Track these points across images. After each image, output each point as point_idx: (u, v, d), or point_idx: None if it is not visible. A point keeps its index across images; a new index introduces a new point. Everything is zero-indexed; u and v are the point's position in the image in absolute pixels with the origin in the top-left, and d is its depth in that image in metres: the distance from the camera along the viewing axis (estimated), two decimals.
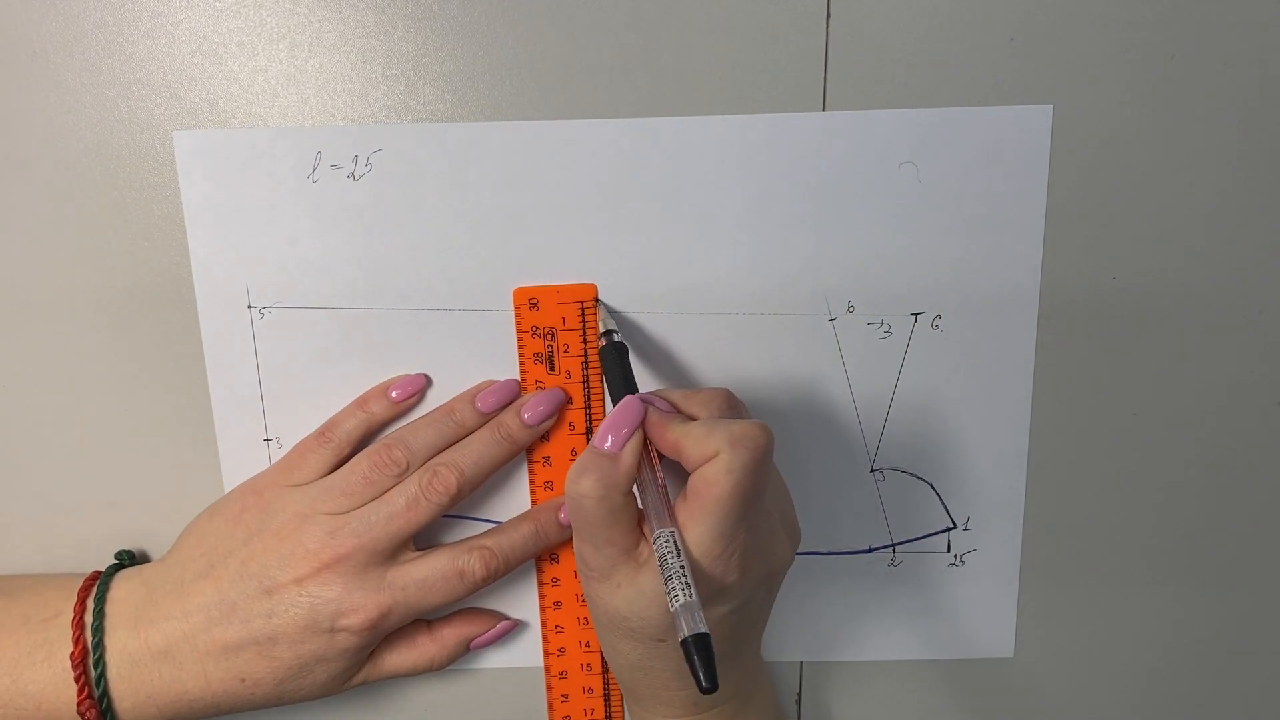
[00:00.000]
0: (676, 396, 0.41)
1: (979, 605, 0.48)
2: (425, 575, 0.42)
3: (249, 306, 0.44)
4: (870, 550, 0.48)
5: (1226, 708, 0.50)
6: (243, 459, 0.46)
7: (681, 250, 0.44)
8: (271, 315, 0.44)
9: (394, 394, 0.45)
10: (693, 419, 0.39)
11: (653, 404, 0.40)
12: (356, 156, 0.42)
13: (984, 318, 0.44)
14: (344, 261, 0.44)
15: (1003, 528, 0.47)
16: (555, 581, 0.47)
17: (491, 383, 0.45)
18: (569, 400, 0.45)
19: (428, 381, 0.45)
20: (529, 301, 0.44)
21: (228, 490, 0.46)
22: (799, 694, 0.50)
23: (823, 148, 0.42)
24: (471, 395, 0.44)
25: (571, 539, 0.43)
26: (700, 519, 0.37)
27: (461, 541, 0.44)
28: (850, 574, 0.48)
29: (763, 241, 0.44)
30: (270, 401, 0.45)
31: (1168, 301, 0.45)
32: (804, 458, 0.46)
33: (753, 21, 0.41)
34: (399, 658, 0.45)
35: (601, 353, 0.43)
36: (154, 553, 0.47)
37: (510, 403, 0.45)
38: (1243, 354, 0.45)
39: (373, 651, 0.45)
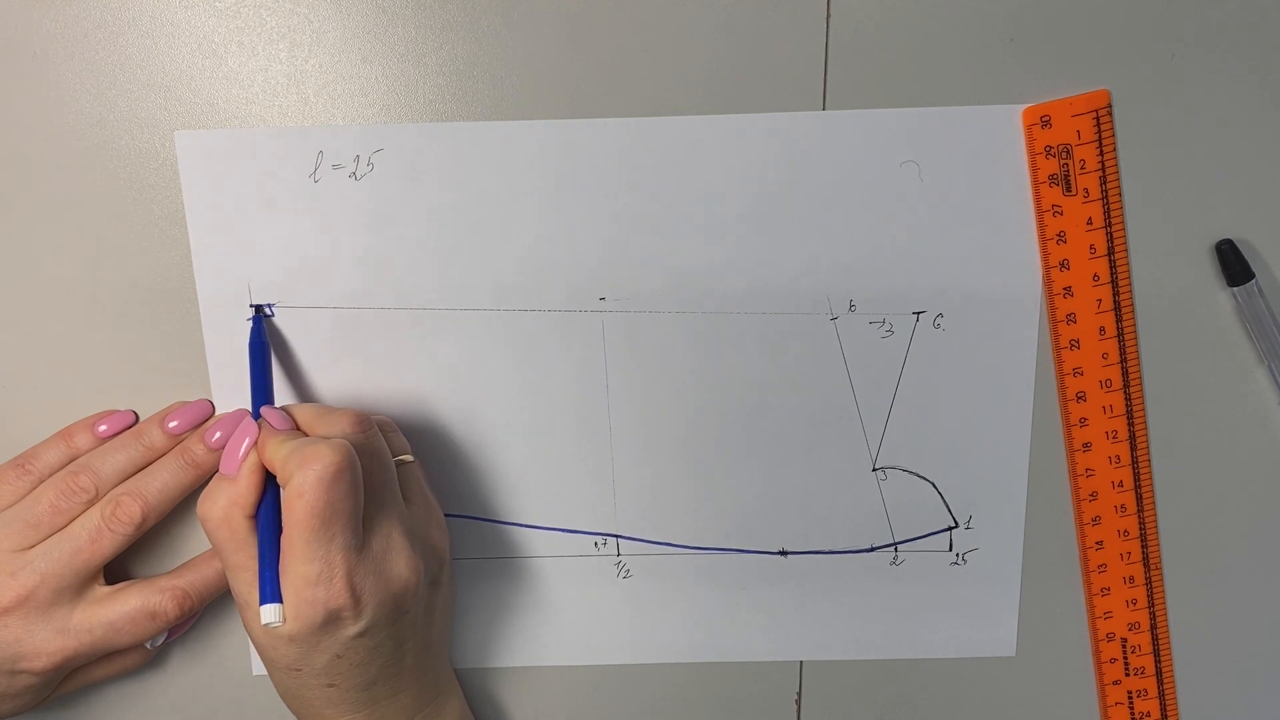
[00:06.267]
0: (307, 414, 0.41)
1: (981, 604, 0.48)
2: (114, 618, 0.42)
3: (251, 306, 0.44)
4: (872, 549, 0.48)
5: (1227, 705, 0.50)
6: None
7: (682, 250, 0.44)
8: (273, 315, 0.44)
9: (101, 428, 0.44)
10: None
11: (268, 422, 0.40)
12: (358, 156, 0.42)
13: (986, 317, 0.44)
14: (346, 261, 0.44)
15: (1005, 526, 0.47)
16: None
17: (184, 404, 0.44)
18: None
19: (135, 417, 0.45)
20: (1040, 120, 0.42)
21: None
22: (799, 694, 0.50)
23: (823, 148, 0.42)
24: (162, 417, 0.44)
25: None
26: (289, 543, 0.37)
27: (152, 580, 0.43)
28: (852, 573, 0.48)
29: (763, 241, 0.44)
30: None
31: (1168, 300, 0.45)
32: (805, 457, 0.46)
33: (753, 21, 0.41)
34: (100, 670, 0.45)
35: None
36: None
37: (200, 424, 0.44)
38: (1242, 356, 0.45)
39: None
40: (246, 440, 0.39)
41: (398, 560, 0.39)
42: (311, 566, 0.37)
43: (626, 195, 0.43)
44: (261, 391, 0.42)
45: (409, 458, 0.43)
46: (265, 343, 0.43)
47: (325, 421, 0.40)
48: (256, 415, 0.41)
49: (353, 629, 0.38)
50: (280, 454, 0.38)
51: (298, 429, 0.40)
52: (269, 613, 0.38)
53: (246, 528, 0.39)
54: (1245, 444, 0.47)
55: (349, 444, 0.38)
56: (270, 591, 0.38)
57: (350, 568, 0.38)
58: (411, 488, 0.42)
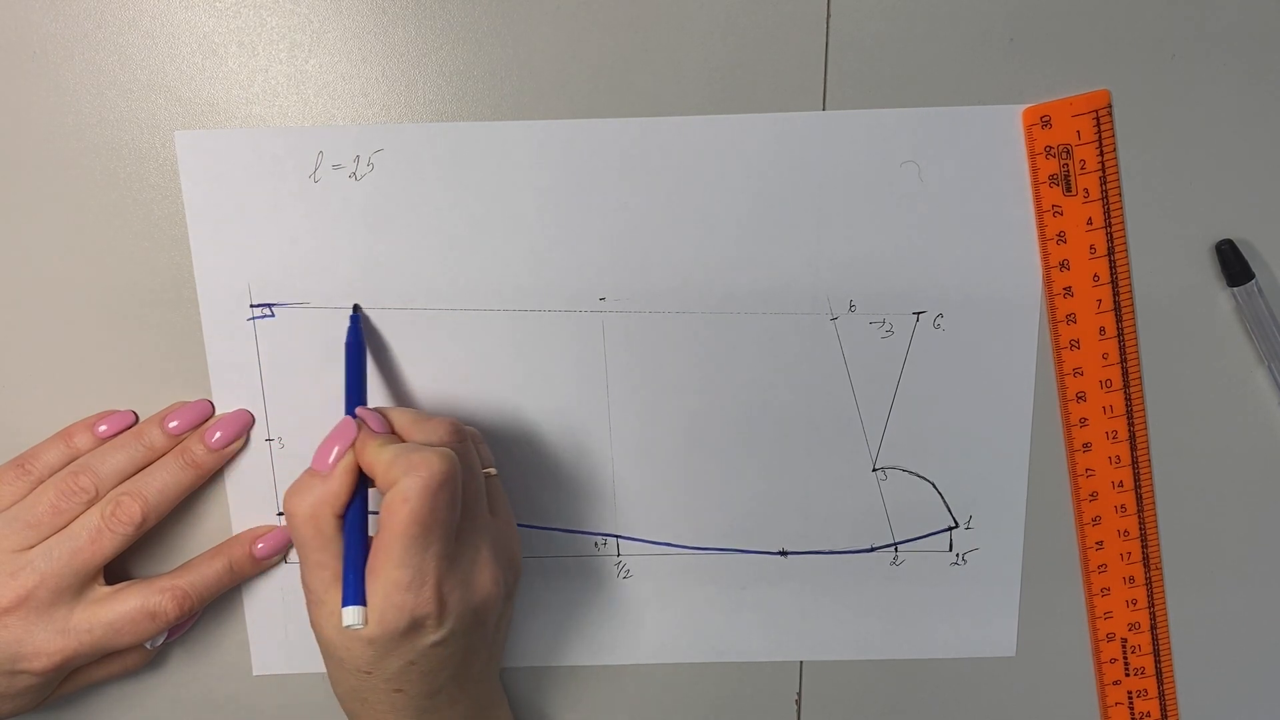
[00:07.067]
0: (404, 419, 0.41)
1: (981, 604, 0.48)
2: (114, 618, 0.42)
3: (251, 306, 0.44)
4: (872, 549, 0.48)
5: (1227, 705, 0.50)
6: (244, 459, 0.46)
7: (682, 250, 0.44)
8: (273, 315, 0.44)
9: (101, 429, 0.44)
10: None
11: (366, 423, 0.40)
12: (358, 156, 0.42)
13: (986, 317, 0.44)
14: (346, 261, 0.44)
15: (1005, 527, 0.47)
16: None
17: (184, 404, 0.45)
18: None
19: (135, 418, 0.45)
20: (1041, 120, 0.42)
21: (229, 490, 0.46)
22: (799, 694, 0.50)
23: (823, 148, 0.42)
24: (162, 417, 0.44)
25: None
26: (384, 547, 0.37)
27: (152, 580, 0.43)
28: (852, 573, 0.48)
29: (763, 241, 0.44)
30: (272, 401, 0.45)
31: (1168, 300, 0.45)
32: (806, 457, 0.46)
33: (753, 21, 0.41)
34: (100, 670, 0.45)
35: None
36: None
37: (200, 424, 0.44)
38: (1242, 356, 0.45)
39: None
40: (344, 440, 0.39)
41: (483, 572, 0.39)
42: (404, 572, 0.37)
43: (626, 195, 0.43)
44: (356, 391, 0.42)
45: (493, 470, 0.43)
46: (362, 342, 0.43)
47: (423, 428, 0.40)
48: (350, 414, 0.41)
49: (432, 637, 0.38)
50: (383, 458, 0.38)
51: (393, 432, 0.40)
52: (351, 614, 0.37)
53: (334, 527, 0.38)
54: (1245, 444, 0.47)
55: (454, 454, 0.38)
56: (354, 593, 0.37)
57: (441, 577, 0.38)
58: (495, 500, 0.42)
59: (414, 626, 0.38)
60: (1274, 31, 0.42)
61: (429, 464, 0.37)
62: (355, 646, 0.38)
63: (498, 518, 0.42)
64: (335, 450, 0.39)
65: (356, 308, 0.44)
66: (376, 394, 0.45)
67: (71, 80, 0.42)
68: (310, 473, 0.39)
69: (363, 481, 0.39)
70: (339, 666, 0.40)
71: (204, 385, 0.45)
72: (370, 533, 0.39)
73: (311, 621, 0.40)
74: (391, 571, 0.37)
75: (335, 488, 0.38)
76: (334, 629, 0.38)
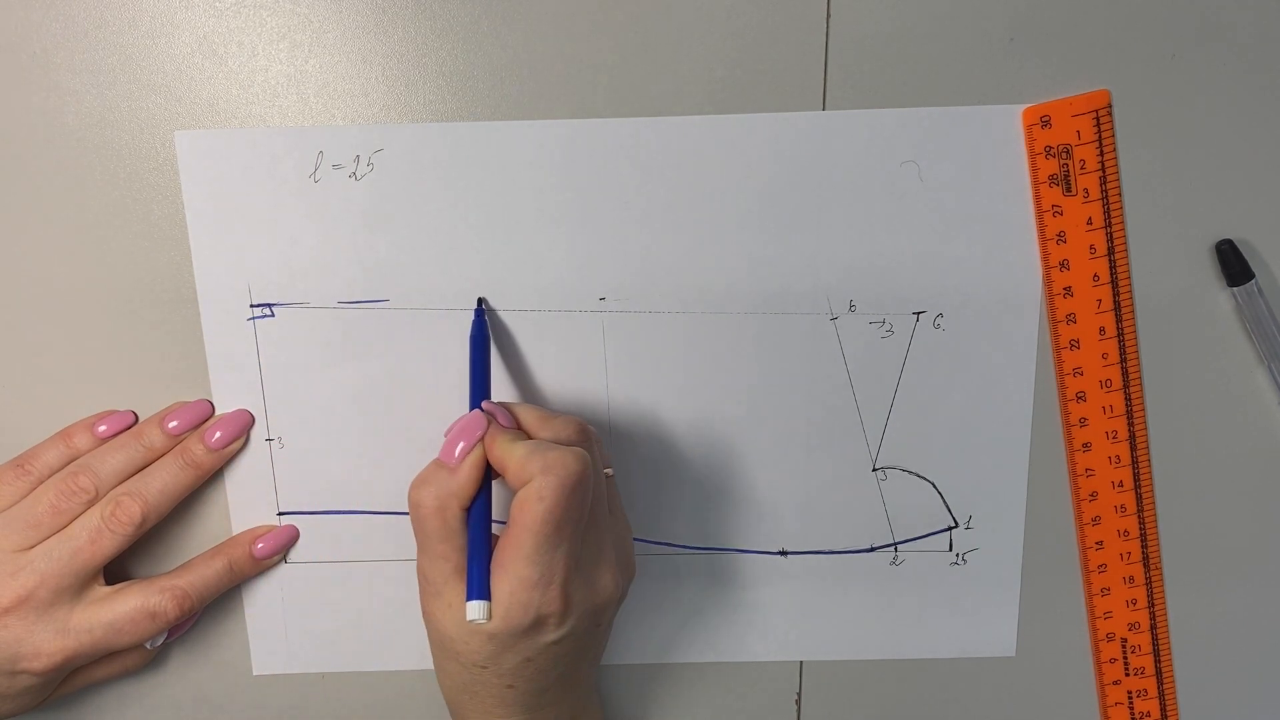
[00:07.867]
0: (531, 416, 0.41)
1: (981, 604, 0.48)
2: (114, 618, 0.42)
3: (251, 306, 0.44)
4: (872, 549, 0.48)
5: (1227, 705, 0.50)
6: (244, 459, 0.46)
7: (682, 250, 0.44)
8: (273, 315, 0.44)
9: (100, 429, 0.44)
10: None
11: (495, 418, 0.40)
12: (358, 156, 0.42)
13: (986, 316, 0.44)
14: (346, 261, 0.44)
15: (1005, 526, 0.47)
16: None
17: (183, 404, 0.45)
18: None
19: (135, 418, 0.45)
20: (1040, 120, 0.42)
21: (229, 490, 0.46)
22: (799, 694, 0.50)
23: (823, 148, 0.42)
24: (161, 417, 0.44)
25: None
26: (514, 543, 0.37)
27: (153, 580, 0.43)
28: (852, 573, 0.48)
29: (763, 241, 0.44)
30: (272, 401, 0.45)
31: (1168, 300, 0.45)
32: (806, 457, 0.46)
33: (753, 21, 0.41)
34: (100, 670, 0.45)
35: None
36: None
37: (200, 424, 0.44)
38: (1242, 356, 0.45)
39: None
40: (473, 433, 0.39)
41: (605, 573, 0.40)
42: (534, 569, 0.37)
43: (626, 195, 0.43)
44: (481, 386, 0.42)
45: (610, 471, 0.43)
46: (487, 336, 0.43)
47: (550, 425, 0.40)
48: (474, 408, 0.40)
49: (552, 635, 0.38)
50: (515, 454, 0.38)
51: (519, 428, 0.40)
52: (476, 609, 0.37)
53: (460, 520, 0.38)
54: (1245, 444, 0.47)
55: (586, 455, 0.38)
56: (479, 588, 0.37)
57: (568, 576, 0.38)
58: (613, 500, 0.42)
59: (537, 624, 0.38)
60: (1274, 31, 0.42)
61: (565, 463, 0.37)
62: (475, 640, 0.38)
63: (615, 518, 0.42)
64: (463, 444, 0.39)
65: (481, 301, 0.44)
66: (375, 394, 0.45)
67: (71, 80, 0.42)
68: (437, 464, 0.39)
69: (487, 476, 0.39)
70: (453, 659, 0.39)
71: (204, 385, 0.45)
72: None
73: (426, 613, 0.40)
74: (521, 568, 0.37)
75: (463, 480, 0.38)
76: (453, 622, 0.38)
